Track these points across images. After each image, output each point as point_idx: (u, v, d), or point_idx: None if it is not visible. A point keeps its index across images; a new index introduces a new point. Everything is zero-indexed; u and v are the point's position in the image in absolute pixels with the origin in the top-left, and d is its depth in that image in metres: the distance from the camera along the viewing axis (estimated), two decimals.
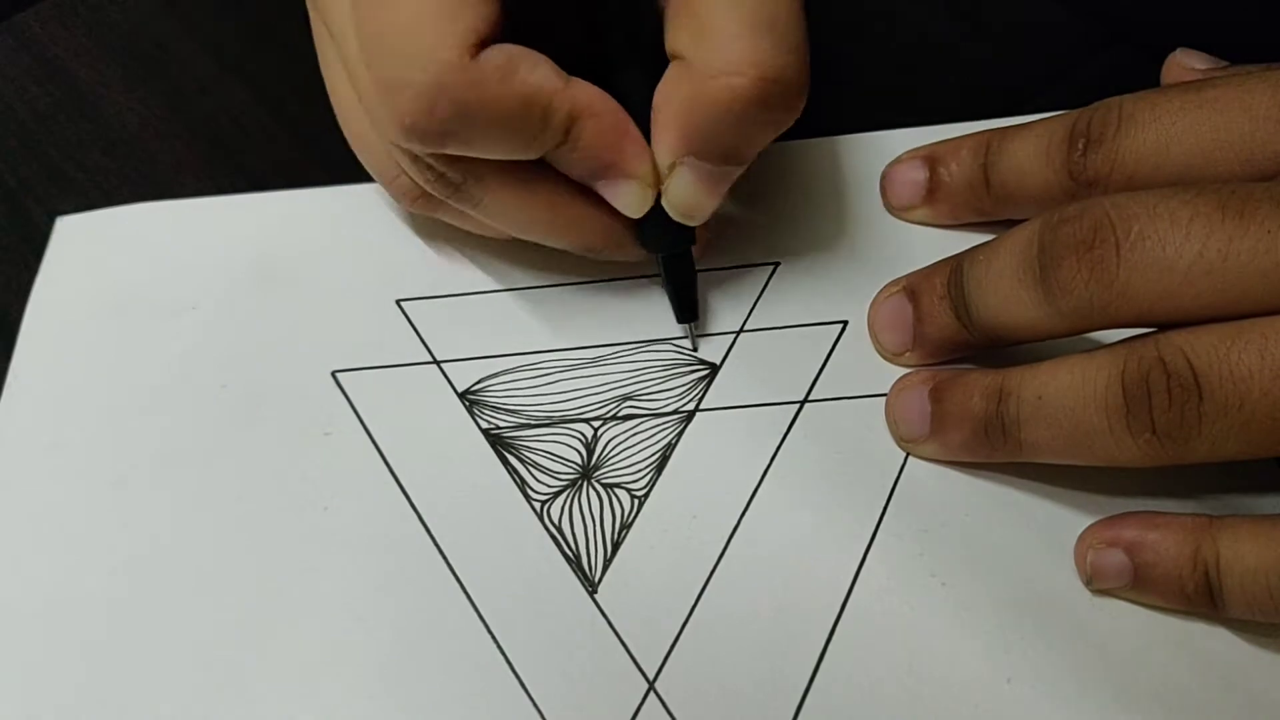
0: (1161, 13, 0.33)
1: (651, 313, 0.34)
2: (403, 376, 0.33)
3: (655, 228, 0.31)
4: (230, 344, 0.34)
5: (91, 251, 0.36)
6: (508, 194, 0.31)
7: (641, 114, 0.29)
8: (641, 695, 0.27)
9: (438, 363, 0.33)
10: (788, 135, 0.36)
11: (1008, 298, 0.28)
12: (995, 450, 0.29)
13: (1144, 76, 0.31)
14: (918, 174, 0.34)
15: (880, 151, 0.36)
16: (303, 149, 0.39)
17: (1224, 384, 0.24)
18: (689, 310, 0.33)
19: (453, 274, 0.35)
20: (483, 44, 0.27)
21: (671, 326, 0.33)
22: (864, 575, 0.29)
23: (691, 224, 0.31)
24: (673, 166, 0.29)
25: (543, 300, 0.34)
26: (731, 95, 0.28)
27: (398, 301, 0.35)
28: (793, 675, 0.27)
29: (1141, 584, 0.27)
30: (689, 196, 0.30)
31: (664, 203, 0.30)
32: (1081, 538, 0.28)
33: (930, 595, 0.28)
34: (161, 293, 0.35)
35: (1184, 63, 0.33)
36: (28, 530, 0.31)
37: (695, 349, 0.33)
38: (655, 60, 0.29)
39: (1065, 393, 0.27)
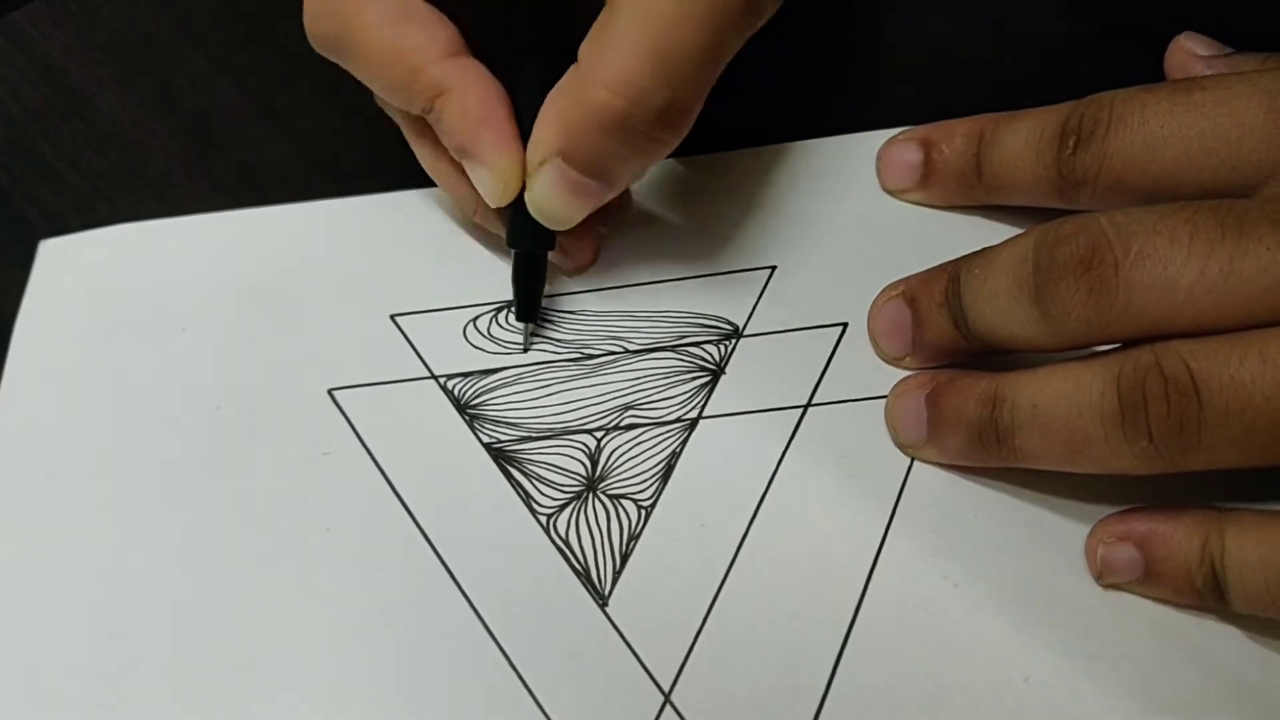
0: (1156, 6, 0.33)
1: (649, 321, 0.33)
2: (401, 393, 0.33)
3: (515, 222, 0.32)
4: (223, 365, 0.33)
5: (77, 274, 0.36)
6: (406, 129, 0.33)
7: (535, 114, 0.30)
8: (658, 708, 0.27)
9: (435, 377, 0.33)
10: (785, 136, 0.37)
11: (1003, 314, 0.28)
12: (991, 457, 0.29)
13: (1140, 70, 0.31)
14: (912, 156, 0.35)
15: (875, 152, 0.36)
16: (295, 146, 0.39)
17: (1224, 390, 0.24)
18: (527, 310, 0.33)
19: (446, 287, 0.35)
20: None
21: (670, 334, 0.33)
22: (876, 578, 0.29)
23: (551, 227, 0.31)
24: (541, 164, 0.30)
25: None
26: (599, 108, 0.28)
27: (392, 316, 0.34)
28: (810, 681, 0.27)
29: (1152, 578, 0.27)
30: (547, 198, 0.30)
31: (525, 198, 0.30)
32: (1092, 532, 0.28)
33: (943, 596, 0.28)
34: (150, 315, 0.35)
35: (1188, 47, 0.33)
36: (24, 558, 0.30)
37: (526, 349, 0.33)
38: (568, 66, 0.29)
39: (1059, 400, 0.27)
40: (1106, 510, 0.29)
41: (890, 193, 0.35)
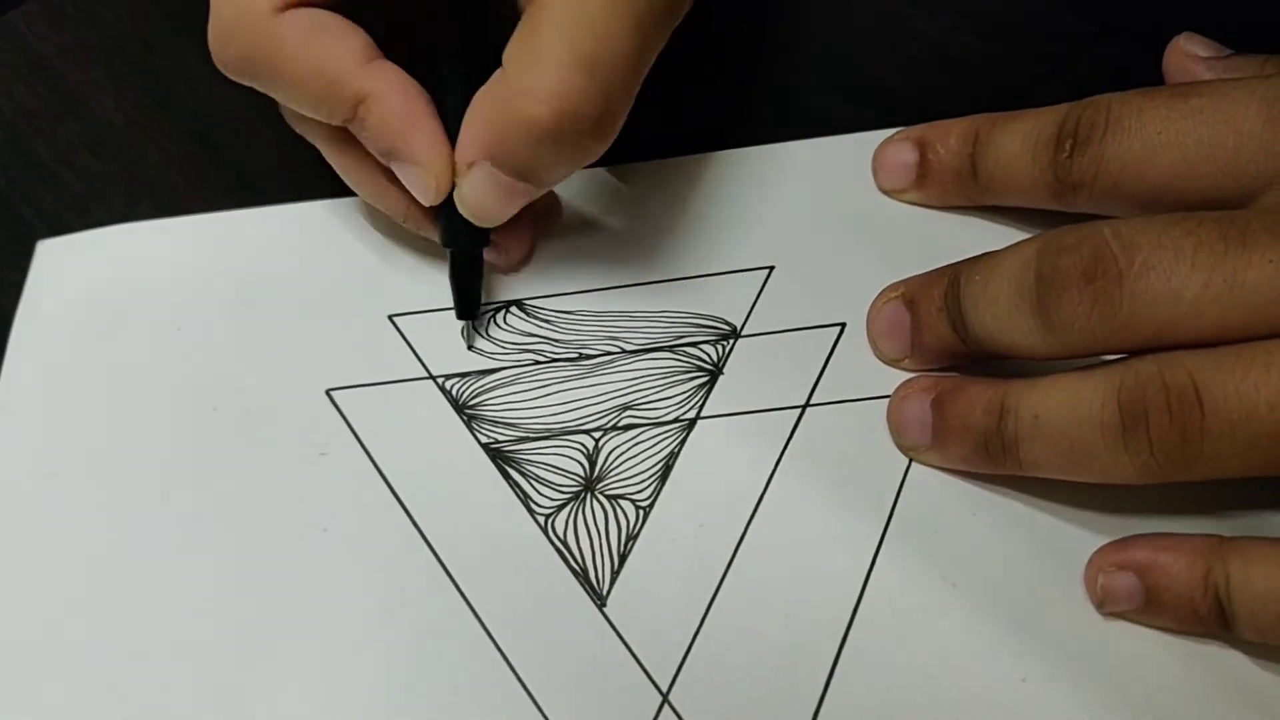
0: (1156, 6, 0.33)
1: (646, 321, 0.33)
2: (399, 393, 0.33)
3: (447, 221, 0.32)
4: (219, 365, 0.33)
5: (74, 275, 0.36)
6: (328, 145, 0.33)
7: (459, 114, 0.30)
8: (656, 708, 0.27)
9: (434, 378, 0.33)
10: (784, 136, 0.37)
11: (1004, 321, 0.28)
12: (996, 465, 0.29)
13: (1140, 71, 0.31)
14: (908, 156, 0.34)
15: (873, 151, 0.36)
16: (290, 147, 0.38)
17: (1229, 400, 0.24)
18: (466, 308, 0.33)
19: (444, 287, 0.34)
20: (298, 4, 0.30)
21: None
22: (874, 579, 0.28)
23: (480, 225, 0.31)
24: (470, 166, 0.30)
25: (536, 311, 0.34)
26: (528, 118, 0.28)
27: (390, 317, 0.34)
28: (808, 681, 0.27)
29: (1153, 606, 0.27)
30: (478, 198, 0.30)
31: (455, 197, 0.31)
32: (1091, 561, 0.28)
33: (941, 597, 0.28)
34: (148, 315, 0.35)
35: (1187, 49, 0.33)
36: (23, 558, 0.30)
37: (470, 346, 0.33)
38: (488, 65, 0.29)
39: (1061, 411, 0.27)
40: (1106, 513, 0.29)
41: (886, 193, 0.35)
